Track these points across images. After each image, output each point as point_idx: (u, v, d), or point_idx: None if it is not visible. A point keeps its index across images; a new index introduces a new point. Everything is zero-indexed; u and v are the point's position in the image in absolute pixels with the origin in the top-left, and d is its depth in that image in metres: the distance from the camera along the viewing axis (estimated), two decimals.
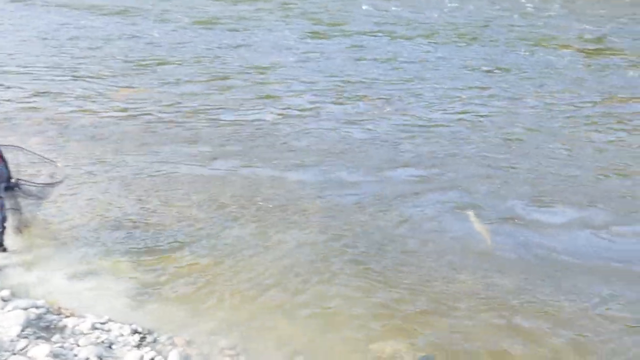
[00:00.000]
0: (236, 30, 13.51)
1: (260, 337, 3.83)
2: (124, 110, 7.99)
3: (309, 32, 13.38)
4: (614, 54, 11.65)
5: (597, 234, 5.07)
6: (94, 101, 8.30)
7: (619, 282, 4.40)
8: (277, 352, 3.74)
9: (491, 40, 12.72)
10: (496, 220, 5.24)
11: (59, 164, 5.20)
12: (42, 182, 4.53)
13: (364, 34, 13.33)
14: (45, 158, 4.77)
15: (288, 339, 3.82)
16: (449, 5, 16.60)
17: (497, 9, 15.93)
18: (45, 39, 12.04)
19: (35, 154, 4.62)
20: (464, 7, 16.24)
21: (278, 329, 3.89)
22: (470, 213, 5.30)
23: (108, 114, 7.81)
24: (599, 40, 12.72)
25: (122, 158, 6.39)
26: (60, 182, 4.76)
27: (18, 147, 4.43)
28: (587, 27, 13.83)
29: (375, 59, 11.07)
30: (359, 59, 11.07)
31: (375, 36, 13.12)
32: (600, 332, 3.88)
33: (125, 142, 6.86)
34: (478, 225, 5.14)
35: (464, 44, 12.38)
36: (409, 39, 12.91)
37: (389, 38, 12.89)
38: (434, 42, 12.57)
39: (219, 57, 11.01)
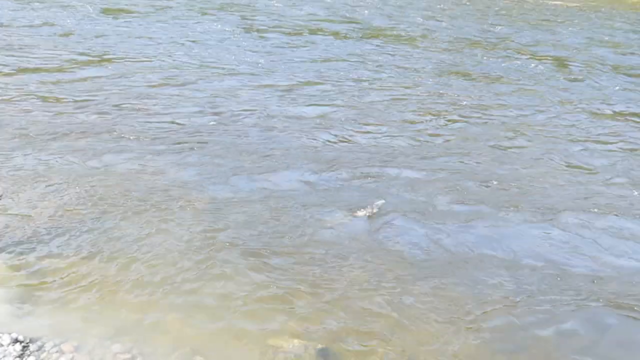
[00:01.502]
0: (151, 21, 13.11)
1: (155, 339, 3.69)
2: None
3: (241, 27, 13.21)
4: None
5: (489, 229, 5.35)
6: None
7: (504, 271, 4.68)
8: (174, 353, 3.62)
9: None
10: (393, 215, 5.36)
11: None
12: None
13: (302, 31, 13.29)
14: None
15: (184, 339, 3.71)
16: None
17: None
18: None
19: None
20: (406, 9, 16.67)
21: (173, 328, 3.77)
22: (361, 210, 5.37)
23: None
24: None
25: None
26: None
27: None
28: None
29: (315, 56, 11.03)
30: (298, 55, 11.01)
31: (318, 34, 13.13)
32: (485, 315, 4.11)
33: None
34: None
35: (409, 45, 12.71)
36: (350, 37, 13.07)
37: (333, 37, 12.97)
38: (382, 42, 12.82)
39: (124, 47, 10.61)
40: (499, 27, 15.73)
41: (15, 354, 3.42)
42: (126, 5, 14.37)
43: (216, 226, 4.90)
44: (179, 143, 6.61)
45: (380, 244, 4.88)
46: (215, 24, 13.42)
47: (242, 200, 5.41)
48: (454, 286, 4.37)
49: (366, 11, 16.32)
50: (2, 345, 3.45)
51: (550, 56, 12.61)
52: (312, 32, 13.46)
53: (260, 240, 4.76)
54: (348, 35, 13.37)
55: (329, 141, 7.07)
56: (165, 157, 6.19)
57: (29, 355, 3.44)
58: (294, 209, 5.31)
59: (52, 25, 11.97)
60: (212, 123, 7.31)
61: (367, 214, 5.29)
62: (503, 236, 5.20)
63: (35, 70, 8.90)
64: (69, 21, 12.33)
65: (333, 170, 6.21)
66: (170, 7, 14.66)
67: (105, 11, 13.54)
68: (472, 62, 11.77)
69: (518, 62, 11.94)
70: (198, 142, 6.66)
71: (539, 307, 4.21)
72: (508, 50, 12.97)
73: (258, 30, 13.08)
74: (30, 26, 11.65)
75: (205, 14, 14.34)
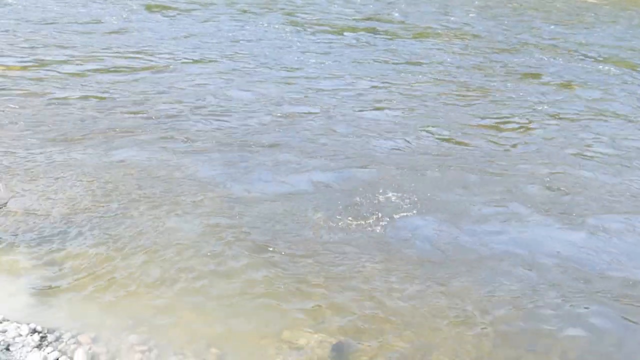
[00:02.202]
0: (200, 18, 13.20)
1: (170, 331, 3.70)
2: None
3: (289, 26, 13.14)
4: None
5: (507, 227, 5.22)
6: None
7: (528, 272, 4.56)
8: (190, 346, 3.62)
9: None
10: (418, 216, 5.25)
11: None
12: None
13: (352, 30, 13.17)
14: None
15: (199, 331, 3.71)
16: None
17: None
18: None
19: None
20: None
21: (188, 321, 3.78)
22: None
23: None
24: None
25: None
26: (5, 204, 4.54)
27: None
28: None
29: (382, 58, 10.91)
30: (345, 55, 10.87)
31: (370, 33, 13.00)
32: (502, 315, 4.02)
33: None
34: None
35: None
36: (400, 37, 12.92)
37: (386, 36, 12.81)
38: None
39: (174, 45, 10.66)
40: (544, 26, 15.12)
41: (33, 344, 3.48)
42: (168, 1, 14.55)
43: (228, 221, 4.87)
44: (224, 143, 6.51)
45: (399, 243, 4.79)
46: (260, 21, 13.39)
47: (252, 194, 5.38)
48: (471, 285, 4.27)
49: (397, 10, 15.97)
50: (20, 335, 3.52)
51: (614, 57, 12.03)
52: (366, 31, 13.24)
53: (271, 236, 4.73)
54: (399, 35, 13.08)
55: (383, 145, 6.85)
56: (178, 150, 6.16)
57: (47, 346, 3.49)
58: (303, 203, 5.26)
59: (99, 22, 12.14)
60: (266, 123, 7.19)
61: (391, 214, 5.18)
62: (536, 239, 5.05)
63: (85, 68, 8.99)
64: (114, 19, 12.54)
65: (376, 171, 6.08)
66: (212, 4, 14.76)
67: (149, 8, 13.74)
68: (535, 63, 11.30)
69: (579, 63, 11.42)
70: (247, 143, 6.56)
71: (558, 309, 4.08)
72: (565, 51, 12.44)
73: (307, 29, 12.95)
74: (77, 23, 11.86)
75: (247, 11, 14.37)
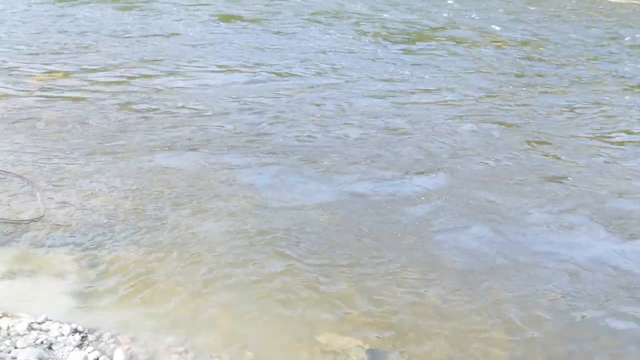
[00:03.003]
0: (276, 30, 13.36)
1: (206, 333, 3.70)
2: (46, 93, 7.81)
3: (361, 35, 13.05)
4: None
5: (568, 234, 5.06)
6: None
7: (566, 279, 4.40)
8: (226, 348, 3.60)
9: None
10: (455, 223, 5.11)
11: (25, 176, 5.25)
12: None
13: (432, 39, 12.95)
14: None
15: (235, 334, 3.69)
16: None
17: None
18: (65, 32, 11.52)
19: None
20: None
21: (224, 323, 3.76)
22: None
23: (25, 100, 7.53)
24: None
25: (44, 148, 6.07)
26: (41, 217, 4.73)
27: None
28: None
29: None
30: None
31: (447, 42, 12.78)
32: (537, 323, 3.88)
33: (45, 131, 6.57)
34: None
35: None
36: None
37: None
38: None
39: (259, 56, 10.78)
40: (620, 31, 14.11)
41: (75, 343, 3.58)
42: (237, 12, 14.85)
43: (266, 226, 4.87)
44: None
45: (438, 250, 4.65)
46: (330, 31, 13.34)
47: (290, 201, 5.36)
48: (510, 292, 4.11)
49: (467, 17, 15.41)
50: (62, 335, 3.62)
51: None
52: (444, 39, 12.84)
53: (308, 240, 4.69)
54: (477, 43, 12.67)
55: (455, 157, 6.58)
56: (215, 154, 6.18)
57: (87, 345, 3.58)
58: (341, 209, 5.23)
59: (178, 34, 12.48)
60: (338, 135, 7.09)
61: (437, 223, 5.03)
62: (589, 249, 4.82)
63: (147, 74, 9.20)
64: (190, 30, 12.89)
65: (441, 182, 5.94)
66: (280, 13, 14.94)
67: (221, 18, 14.07)
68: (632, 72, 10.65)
69: None
70: (308, 155, 6.46)
71: (600, 319, 3.85)
72: None
73: (378, 38, 12.73)
74: (160, 36, 12.16)
75: (315, 21, 14.39)
